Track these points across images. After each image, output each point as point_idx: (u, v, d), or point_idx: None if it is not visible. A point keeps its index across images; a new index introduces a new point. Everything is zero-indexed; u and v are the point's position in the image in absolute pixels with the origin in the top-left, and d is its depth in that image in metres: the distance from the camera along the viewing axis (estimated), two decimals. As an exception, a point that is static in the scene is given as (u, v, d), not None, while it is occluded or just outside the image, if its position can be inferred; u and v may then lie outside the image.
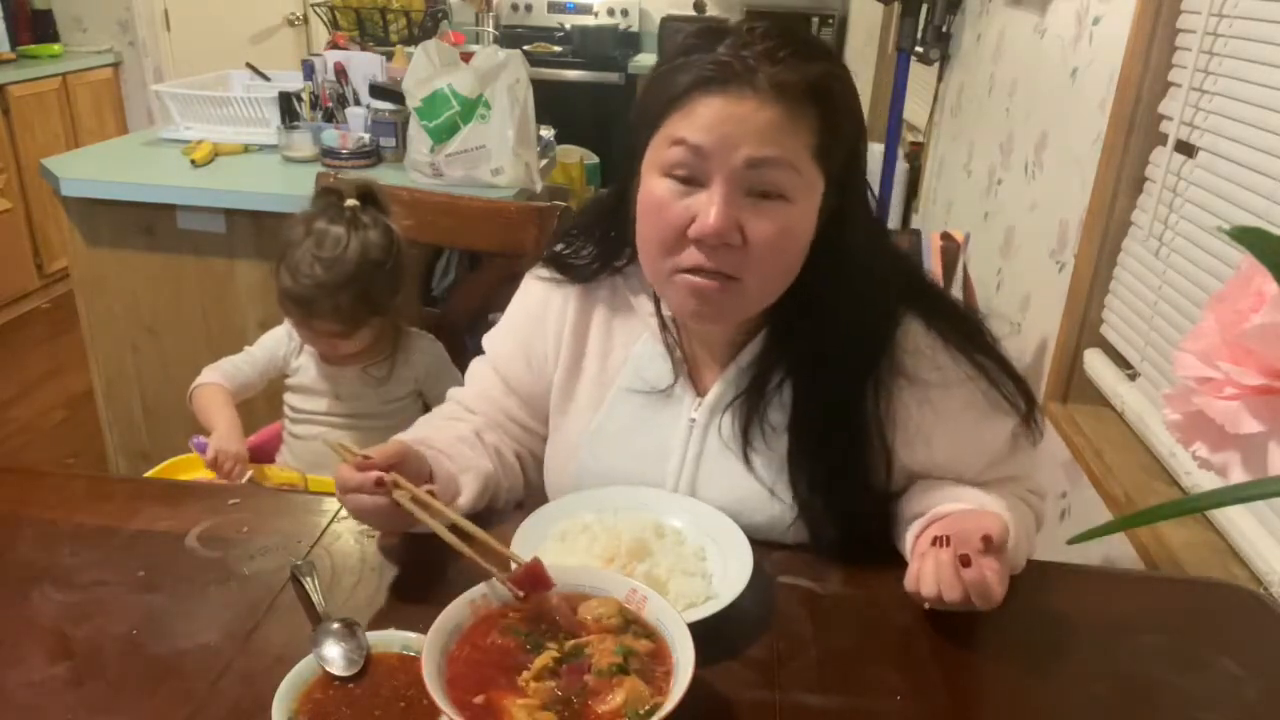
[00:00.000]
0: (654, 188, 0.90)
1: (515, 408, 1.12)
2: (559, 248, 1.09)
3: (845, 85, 0.91)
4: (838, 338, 0.95)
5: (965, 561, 0.82)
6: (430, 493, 0.88)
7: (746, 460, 0.99)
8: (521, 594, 0.78)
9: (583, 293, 1.07)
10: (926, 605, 0.87)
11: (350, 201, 1.49)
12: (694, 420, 1.02)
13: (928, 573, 0.85)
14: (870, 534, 1.00)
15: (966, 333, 0.98)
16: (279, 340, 1.62)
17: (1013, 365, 0.99)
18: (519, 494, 1.11)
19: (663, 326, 1.03)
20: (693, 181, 0.88)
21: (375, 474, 0.86)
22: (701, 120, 0.86)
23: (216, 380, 1.56)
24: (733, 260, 0.88)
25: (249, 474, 1.48)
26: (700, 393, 1.03)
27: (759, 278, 0.90)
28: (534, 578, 0.78)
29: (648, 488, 1.03)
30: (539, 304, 1.09)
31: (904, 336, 0.96)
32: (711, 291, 0.90)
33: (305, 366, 1.60)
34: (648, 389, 1.03)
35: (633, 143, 0.94)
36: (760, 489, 0.99)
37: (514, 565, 0.81)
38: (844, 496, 0.97)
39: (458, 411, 1.12)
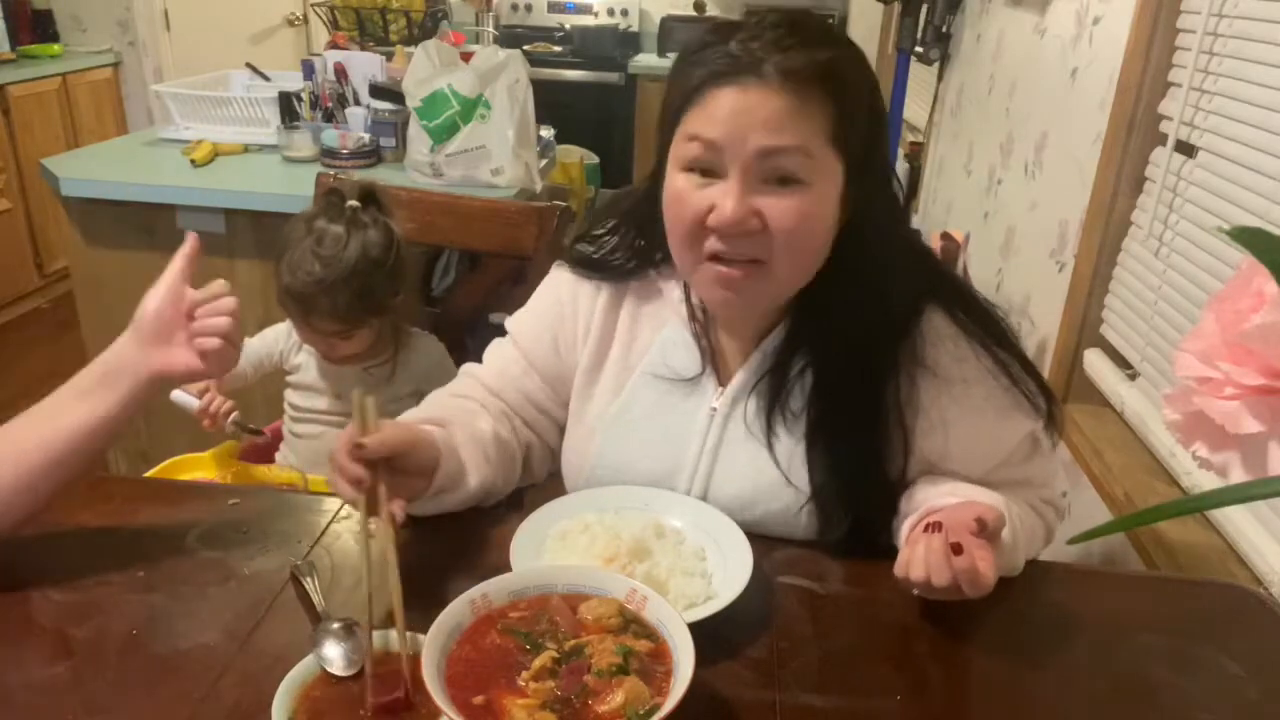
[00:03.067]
0: (675, 182, 0.92)
1: (536, 388, 1.11)
2: (590, 251, 1.09)
3: (858, 69, 0.91)
4: (859, 325, 0.96)
5: (956, 549, 0.82)
6: (393, 518, 0.85)
7: (769, 446, 1.00)
8: (375, 697, 0.74)
9: (615, 282, 1.08)
10: (915, 591, 0.87)
11: (351, 202, 1.49)
12: (715, 410, 1.03)
13: (917, 557, 0.85)
14: (879, 531, 1.00)
15: (988, 327, 0.99)
16: (279, 335, 1.62)
17: (1033, 364, 1.00)
18: (511, 488, 1.09)
19: (691, 315, 1.04)
20: (711, 174, 0.90)
21: (361, 473, 0.83)
22: (714, 114, 0.88)
23: None
24: (756, 245, 0.90)
25: (235, 414, 1.51)
26: (723, 382, 1.04)
27: (785, 260, 0.91)
28: (392, 689, 0.75)
29: (649, 488, 1.03)
30: (569, 292, 1.10)
31: (927, 326, 0.97)
32: (737, 279, 0.91)
33: (306, 365, 1.60)
34: (673, 376, 1.04)
35: (660, 143, 0.95)
36: (777, 475, 1.00)
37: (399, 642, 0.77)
38: (859, 484, 0.98)
39: (472, 389, 1.11)
